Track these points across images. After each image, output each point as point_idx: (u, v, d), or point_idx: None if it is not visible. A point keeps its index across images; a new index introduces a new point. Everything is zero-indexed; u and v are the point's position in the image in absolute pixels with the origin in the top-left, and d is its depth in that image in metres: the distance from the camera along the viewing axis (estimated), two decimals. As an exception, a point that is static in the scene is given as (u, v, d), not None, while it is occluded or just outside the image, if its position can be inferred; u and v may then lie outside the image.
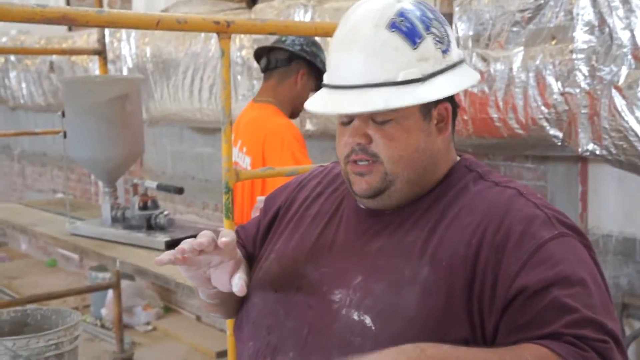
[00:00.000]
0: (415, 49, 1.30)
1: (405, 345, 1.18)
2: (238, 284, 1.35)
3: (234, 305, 1.55)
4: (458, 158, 1.46)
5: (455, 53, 1.37)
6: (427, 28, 1.32)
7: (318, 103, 1.38)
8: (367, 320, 1.29)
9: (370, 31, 1.31)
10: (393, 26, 1.30)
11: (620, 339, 1.23)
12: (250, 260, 1.58)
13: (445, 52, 1.34)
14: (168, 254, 1.32)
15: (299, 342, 1.36)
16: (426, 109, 1.35)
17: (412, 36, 1.30)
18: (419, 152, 1.35)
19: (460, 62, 1.39)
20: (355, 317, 1.31)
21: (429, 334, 1.24)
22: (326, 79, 1.39)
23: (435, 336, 1.24)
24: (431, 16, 1.34)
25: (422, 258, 1.31)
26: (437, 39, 1.33)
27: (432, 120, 1.36)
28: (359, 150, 1.35)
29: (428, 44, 1.32)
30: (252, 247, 1.60)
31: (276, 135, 2.89)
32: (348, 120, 1.36)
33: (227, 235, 1.33)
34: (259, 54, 3.22)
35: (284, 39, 3.14)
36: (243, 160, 3.00)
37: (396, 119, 1.32)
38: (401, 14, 1.31)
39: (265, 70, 3.18)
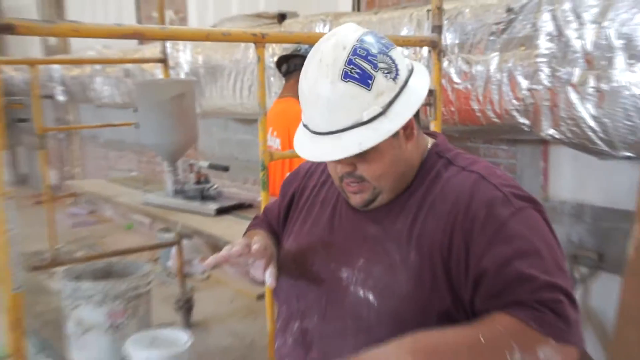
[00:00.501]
0: (369, 90, 1.23)
1: (403, 339, 1.17)
2: (269, 280, 1.36)
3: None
4: (430, 142, 1.42)
5: (403, 71, 1.28)
6: (375, 66, 1.24)
7: (304, 149, 1.33)
8: (371, 297, 1.30)
9: (328, 88, 1.24)
10: (346, 76, 1.22)
11: (571, 292, 1.23)
12: (277, 235, 1.57)
13: (395, 78, 1.26)
14: (213, 258, 1.33)
15: (321, 309, 1.37)
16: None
17: (364, 80, 1.23)
18: (395, 164, 1.32)
19: (410, 74, 1.30)
20: (361, 294, 1.31)
21: (420, 307, 1.26)
22: (304, 121, 1.34)
23: (424, 309, 1.26)
24: (375, 51, 1.25)
25: (409, 244, 1.30)
26: (386, 71, 1.25)
27: (400, 135, 1.30)
28: (347, 176, 1.33)
29: (379, 79, 1.24)
30: (277, 226, 1.59)
31: (298, 120, 2.91)
32: None
33: (257, 243, 1.34)
34: (280, 61, 3.26)
35: (299, 48, 3.18)
36: (274, 142, 3.05)
37: (371, 149, 1.25)
38: (350, 61, 1.23)
39: (286, 73, 3.24)
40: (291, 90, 3.17)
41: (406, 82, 1.28)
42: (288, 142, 2.99)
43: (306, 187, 1.55)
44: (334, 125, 1.25)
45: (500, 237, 1.23)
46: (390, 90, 1.25)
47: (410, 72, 1.31)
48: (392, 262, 1.30)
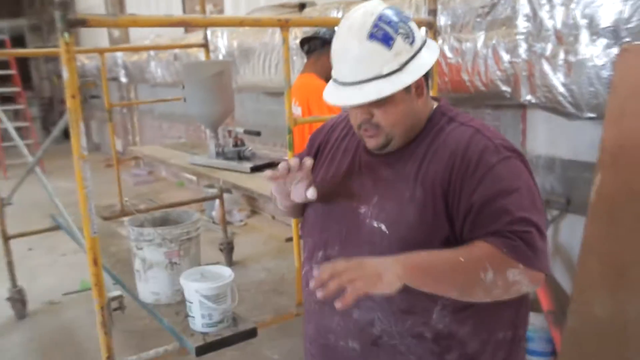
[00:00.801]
0: (390, 49, 1.25)
1: (398, 255, 1.20)
2: (313, 192, 1.35)
3: (298, 212, 1.56)
4: (435, 104, 1.42)
5: (418, 39, 1.30)
6: (396, 30, 1.25)
7: (332, 96, 1.33)
8: (383, 227, 1.31)
9: (356, 44, 1.26)
10: (371, 37, 1.24)
11: (541, 227, 1.25)
12: None
13: (411, 43, 1.28)
14: (271, 172, 1.34)
15: (341, 239, 1.38)
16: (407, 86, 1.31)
17: (386, 40, 1.25)
18: (406, 115, 1.33)
19: (423, 43, 1.32)
20: (375, 225, 1.32)
21: (424, 235, 1.27)
22: (333, 75, 1.35)
23: (428, 236, 1.27)
24: (396, 20, 1.27)
25: (416, 182, 1.31)
26: (404, 35, 1.26)
27: (412, 91, 1.32)
28: (365, 123, 1.33)
29: (398, 42, 1.25)
30: None
31: (317, 92, 2.92)
32: None
33: (307, 161, 1.35)
34: (303, 42, 3.26)
35: (318, 31, 3.17)
36: (297, 110, 3.07)
37: (387, 98, 1.28)
38: (375, 25, 1.25)
39: (307, 52, 3.23)
40: (311, 67, 3.17)
41: (420, 48, 1.30)
42: (307, 110, 3.02)
43: (329, 139, 1.55)
44: (358, 77, 1.27)
45: (487, 178, 1.25)
46: (406, 52, 1.27)
47: (424, 42, 1.33)
48: (401, 198, 1.31)
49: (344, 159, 1.47)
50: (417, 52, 1.29)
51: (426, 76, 1.35)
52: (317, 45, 3.18)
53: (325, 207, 1.44)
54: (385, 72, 1.25)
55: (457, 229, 1.27)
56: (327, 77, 3.18)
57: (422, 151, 1.34)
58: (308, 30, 4.14)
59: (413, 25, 1.31)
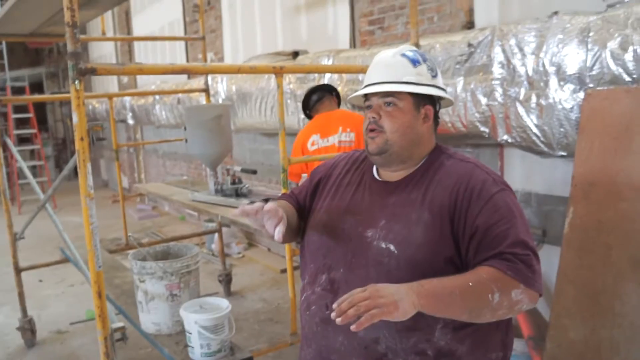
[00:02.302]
0: (414, 67, 1.39)
1: (411, 283, 1.18)
2: (279, 232, 1.30)
3: (288, 239, 1.55)
4: (435, 145, 1.47)
5: (440, 82, 1.43)
6: (424, 60, 1.41)
7: (360, 92, 1.44)
8: (392, 247, 1.31)
9: (389, 56, 1.42)
10: (403, 55, 1.40)
11: (536, 250, 1.28)
12: (301, 209, 1.57)
13: (434, 76, 1.41)
14: (237, 211, 1.35)
15: (346, 262, 1.37)
16: (417, 105, 1.40)
17: (414, 61, 1.39)
18: (409, 128, 1.39)
19: (444, 90, 1.44)
20: (383, 246, 1.32)
21: (431, 254, 1.28)
22: (365, 83, 1.45)
23: (433, 255, 1.28)
24: (427, 57, 1.43)
25: (422, 206, 1.32)
26: (429, 67, 1.41)
27: (420, 113, 1.39)
28: (373, 122, 1.39)
29: (423, 67, 1.40)
30: (302, 201, 1.58)
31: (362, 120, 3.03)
32: (371, 107, 1.41)
33: (269, 206, 1.33)
34: (313, 91, 3.30)
35: (320, 84, 3.40)
36: (349, 136, 3.10)
37: (397, 105, 1.38)
38: (409, 50, 1.42)
39: (318, 100, 3.26)
40: (334, 104, 3.27)
41: (439, 87, 1.42)
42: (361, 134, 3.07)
43: (332, 174, 1.56)
44: (382, 78, 1.40)
45: (489, 205, 1.29)
46: (427, 78, 1.40)
47: (444, 89, 1.45)
48: (409, 220, 1.32)
49: (348, 190, 1.48)
50: (435, 86, 1.41)
51: (436, 119, 1.45)
52: (325, 92, 3.28)
53: (329, 233, 1.43)
54: (404, 80, 1.38)
55: (462, 249, 1.28)
56: None
57: (426, 180, 1.37)
58: (300, 77, 4.19)
59: (438, 70, 1.45)
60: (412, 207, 1.33)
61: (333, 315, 1.12)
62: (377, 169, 1.48)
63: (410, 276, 1.22)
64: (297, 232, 1.54)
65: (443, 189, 1.33)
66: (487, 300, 1.19)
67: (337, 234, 1.41)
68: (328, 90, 3.27)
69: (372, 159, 1.44)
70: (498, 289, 1.19)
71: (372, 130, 1.39)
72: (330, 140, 3.06)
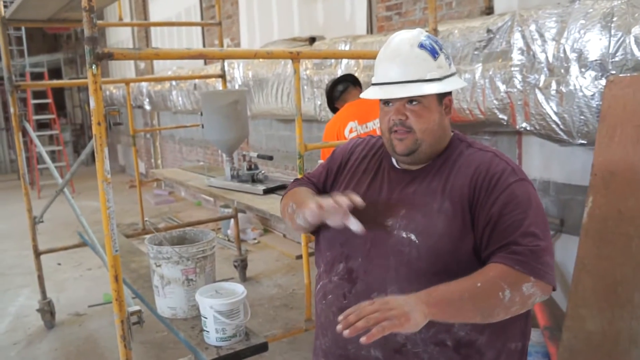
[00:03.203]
0: (435, 60, 1.32)
1: (419, 292, 1.16)
2: (358, 226, 1.28)
3: (311, 229, 1.49)
4: (452, 133, 1.43)
5: (454, 68, 1.39)
6: (441, 49, 1.34)
7: (374, 93, 1.36)
8: (413, 237, 1.28)
9: (407, 48, 1.33)
10: (421, 46, 1.32)
11: (549, 243, 1.26)
12: (319, 192, 1.53)
13: (450, 65, 1.36)
14: (317, 205, 1.29)
15: (364, 251, 1.34)
16: (440, 98, 1.35)
17: (433, 52, 1.32)
18: (437, 125, 1.35)
19: (456, 73, 1.39)
20: (404, 235, 1.30)
21: (452, 244, 1.26)
22: (375, 80, 1.38)
23: (455, 245, 1.26)
24: (441, 44, 1.37)
25: (443, 195, 1.31)
26: (446, 56, 1.35)
27: (443, 106, 1.36)
28: (399, 123, 1.33)
29: (442, 58, 1.34)
30: (321, 186, 1.55)
31: None
32: (390, 103, 1.35)
33: (356, 200, 1.30)
34: (335, 83, 3.28)
35: (345, 74, 3.35)
36: (376, 124, 3.04)
37: (423, 103, 1.32)
38: (425, 39, 1.33)
39: (344, 90, 3.24)
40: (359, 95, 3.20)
41: (454, 73, 1.38)
42: None
43: (349, 160, 1.53)
44: (404, 77, 1.31)
45: (505, 194, 1.27)
46: (446, 68, 1.34)
47: (455, 72, 1.40)
48: (430, 210, 1.30)
49: (365, 178, 1.45)
50: (452, 74, 1.37)
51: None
52: (349, 82, 3.25)
53: None
54: (427, 77, 1.31)
55: (478, 239, 1.27)
56: None
57: (446, 169, 1.35)
58: (317, 62, 4.17)
59: (450, 56, 1.40)
60: (433, 197, 1.31)
61: (339, 327, 1.10)
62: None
63: (431, 266, 1.21)
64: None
65: (463, 177, 1.31)
66: (498, 298, 1.17)
67: None
68: (351, 81, 3.25)
69: (399, 159, 1.40)
70: (508, 286, 1.17)
71: (396, 131, 1.34)
72: (369, 126, 3.03)
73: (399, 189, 1.37)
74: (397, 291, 1.25)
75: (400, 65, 1.31)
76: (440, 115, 1.35)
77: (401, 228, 1.30)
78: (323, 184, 1.56)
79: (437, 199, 1.30)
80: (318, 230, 1.48)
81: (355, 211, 1.36)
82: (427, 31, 2.78)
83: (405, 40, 1.34)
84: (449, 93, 1.38)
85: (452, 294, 1.17)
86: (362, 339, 1.08)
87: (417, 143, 1.33)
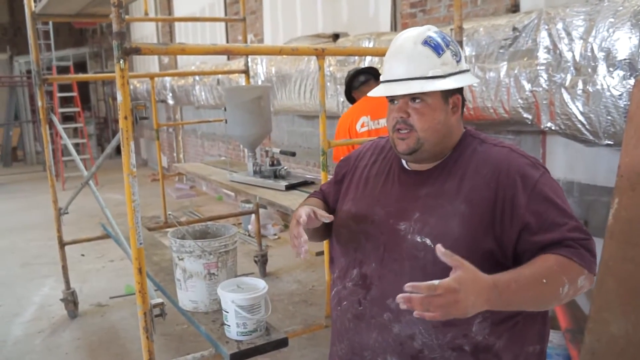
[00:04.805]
0: (439, 57, 1.29)
1: (489, 290, 1.10)
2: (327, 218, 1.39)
3: (318, 238, 1.54)
4: (464, 130, 1.41)
5: (464, 64, 1.34)
6: (447, 45, 1.31)
7: (381, 91, 1.35)
8: (428, 241, 1.26)
9: (411, 46, 1.31)
10: (425, 43, 1.30)
11: (590, 234, 1.25)
12: (329, 207, 1.56)
13: (458, 61, 1.32)
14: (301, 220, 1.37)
15: (378, 256, 1.33)
16: (445, 96, 1.32)
17: (437, 49, 1.29)
18: (440, 124, 1.32)
19: (467, 70, 1.35)
20: (419, 239, 1.27)
21: (468, 247, 1.23)
22: (382, 77, 1.37)
23: (472, 249, 1.23)
24: (449, 39, 1.33)
25: (458, 197, 1.28)
26: (453, 53, 1.31)
27: (449, 105, 1.33)
28: (401, 122, 1.32)
29: (447, 55, 1.30)
30: (330, 201, 1.56)
31: None
32: (395, 101, 1.34)
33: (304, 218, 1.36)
34: (359, 73, 3.25)
35: (369, 67, 3.29)
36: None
37: (426, 101, 1.30)
38: (430, 36, 1.31)
39: (364, 81, 3.21)
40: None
41: (463, 70, 1.34)
42: None
43: (358, 166, 1.52)
44: (407, 74, 1.30)
45: (536, 192, 1.24)
46: (452, 66, 1.31)
47: (468, 69, 1.36)
48: (444, 213, 1.27)
49: (376, 182, 1.44)
50: (460, 71, 1.32)
51: (462, 101, 1.37)
52: (371, 75, 3.22)
53: (359, 227, 1.39)
54: (430, 74, 1.28)
55: (508, 240, 1.23)
56: None
57: (460, 169, 1.32)
58: (341, 59, 4.17)
59: (461, 50, 1.36)
60: (446, 199, 1.28)
61: (399, 297, 1.06)
62: None
63: (447, 271, 1.20)
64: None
65: (479, 178, 1.28)
66: (558, 293, 1.17)
67: (367, 227, 1.37)
68: (374, 75, 3.23)
69: (403, 158, 1.39)
70: (568, 280, 1.17)
71: (400, 130, 1.32)
72: (381, 122, 3.01)
73: (411, 192, 1.35)
74: None
75: (403, 63, 1.31)
76: (445, 114, 1.32)
77: (415, 232, 1.28)
78: (331, 197, 1.57)
79: (452, 201, 1.27)
80: (332, 235, 1.49)
81: (367, 215, 1.38)
82: (451, 29, 2.81)
83: (410, 37, 1.32)
84: (457, 91, 1.34)
85: (521, 297, 1.15)
86: (415, 313, 1.06)
87: (419, 142, 1.31)
